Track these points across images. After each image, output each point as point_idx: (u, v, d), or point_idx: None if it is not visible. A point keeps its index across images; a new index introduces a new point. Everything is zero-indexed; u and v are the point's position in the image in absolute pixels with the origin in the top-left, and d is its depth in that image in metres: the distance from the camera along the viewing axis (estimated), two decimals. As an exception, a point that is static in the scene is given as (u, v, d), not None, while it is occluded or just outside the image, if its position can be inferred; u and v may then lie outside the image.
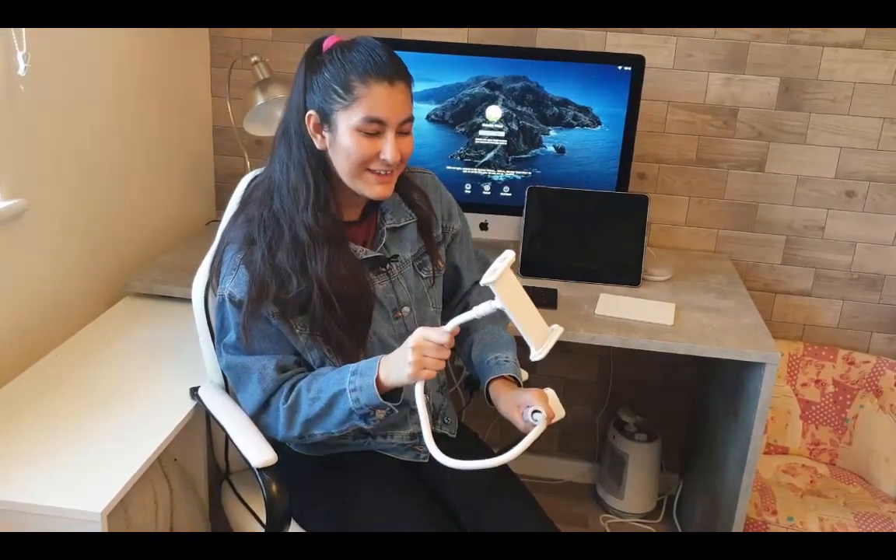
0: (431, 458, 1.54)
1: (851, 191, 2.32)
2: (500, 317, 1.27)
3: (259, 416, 1.43)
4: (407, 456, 1.54)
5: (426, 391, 1.54)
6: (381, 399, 1.30)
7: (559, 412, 1.36)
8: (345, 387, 1.32)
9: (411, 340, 1.27)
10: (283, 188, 1.37)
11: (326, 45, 1.35)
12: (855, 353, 2.33)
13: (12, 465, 1.34)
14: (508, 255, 1.22)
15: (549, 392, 1.38)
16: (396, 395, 1.33)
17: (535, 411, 1.34)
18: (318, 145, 1.36)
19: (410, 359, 1.26)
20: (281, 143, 1.39)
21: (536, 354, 1.25)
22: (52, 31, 1.69)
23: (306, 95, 1.34)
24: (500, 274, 1.19)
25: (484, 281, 1.21)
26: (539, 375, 2.58)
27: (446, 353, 1.27)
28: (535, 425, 1.31)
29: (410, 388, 1.51)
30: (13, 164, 1.62)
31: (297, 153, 1.37)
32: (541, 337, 1.26)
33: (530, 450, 2.18)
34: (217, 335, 1.44)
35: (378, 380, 1.30)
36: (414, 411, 1.53)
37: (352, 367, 1.35)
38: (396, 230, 1.49)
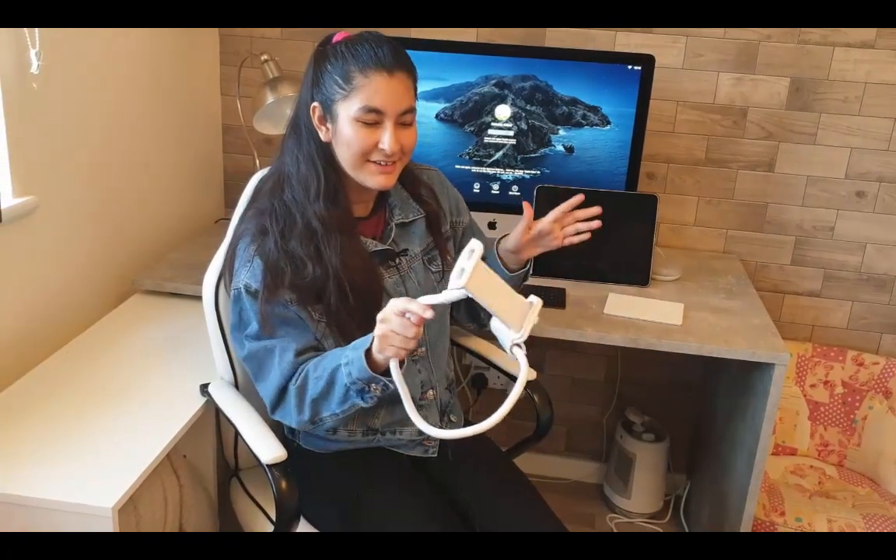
0: (440, 453, 1.55)
1: (862, 191, 2.31)
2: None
3: (277, 404, 1.40)
4: (416, 451, 1.54)
5: (433, 388, 1.54)
6: (371, 372, 1.26)
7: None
8: (340, 362, 1.30)
9: (380, 313, 1.22)
10: (294, 179, 1.39)
11: (335, 39, 1.37)
12: (864, 354, 2.32)
13: (23, 460, 1.35)
14: (477, 248, 1.16)
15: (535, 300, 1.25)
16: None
17: (514, 344, 1.22)
18: (322, 137, 1.37)
19: (377, 333, 1.22)
20: (291, 136, 1.41)
21: (519, 337, 1.21)
22: (65, 29, 1.69)
23: (312, 88, 1.36)
24: (469, 275, 1.14)
25: (452, 286, 1.16)
26: (547, 375, 2.59)
27: (411, 331, 1.19)
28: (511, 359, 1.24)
29: (417, 379, 1.50)
30: (25, 162, 1.63)
31: (307, 145, 1.38)
32: (520, 318, 1.21)
33: (537, 449, 2.18)
34: (236, 328, 1.42)
35: (370, 353, 1.26)
36: (421, 407, 1.54)
37: (354, 342, 1.32)
38: (405, 225, 1.50)
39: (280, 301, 1.36)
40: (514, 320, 1.20)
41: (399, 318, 1.20)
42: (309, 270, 1.35)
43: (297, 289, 1.35)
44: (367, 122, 1.32)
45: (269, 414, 1.43)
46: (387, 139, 1.33)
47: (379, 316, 1.22)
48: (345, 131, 1.33)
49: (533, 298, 1.23)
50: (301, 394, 1.36)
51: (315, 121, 1.37)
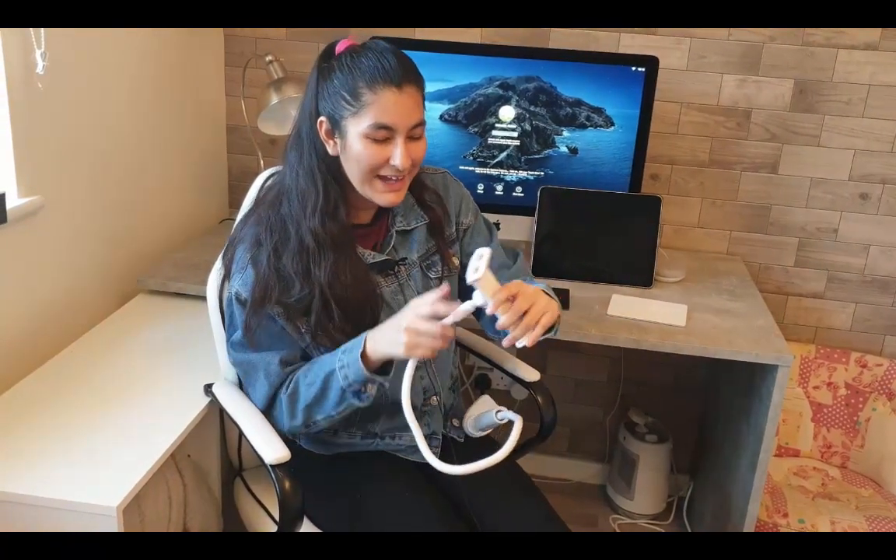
0: (442, 456, 1.55)
1: (865, 193, 2.31)
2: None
3: (268, 411, 1.44)
4: (417, 457, 1.53)
5: (437, 393, 1.54)
6: (368, 373, 1.29)
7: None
8: (335, 366, 1.32)
9: (404, 321, 1.26)
10: (293, 193, 1.38)
11: (339, 49, 1.35)
12: (867, 355, 2.32)
13: (28, 459, 1.36)
14: (485, 252, 1.23)
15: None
16: (388, 369, 1.32)
17: (497, 411, 1.39)
18: (330, 151, 1.36)
19: (403, 339, 1.25)
20: (293, 147, 1.40)
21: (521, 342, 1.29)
22: (70, 29, 1.70)
23: (318, 101, 1.35)
24: (484, 272, 1.21)
25: (469, 280, 1.22)
26: (550, 375, 2.59)
27: (439, 343, 1.25)
28: (500, 423, 1.38)
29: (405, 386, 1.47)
30: (30, 162, 1.64)
31: (308, 158, 1.37)
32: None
33: (540, 450, 2.17)
34: (227, 329, 1.46)
35: (365, 354, 1.29)
36: (424, 413, 1.54)
37: (343, 346, 1.35)
38: (406, 233, 1.49)
39: (268, 314, 1.37)
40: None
41: (427, 323, 1.24)
42: (296, 289, 1.36)
43: (283, 305, 1.36)
44: (377, 139, 1.31)
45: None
46: (398, 155, 1.32)
47: (403, 325, 1.25)
48: (354, 148, 1.32)
49: None
50: (293, 401, 1.39)
51: (322, 135, 1.35)
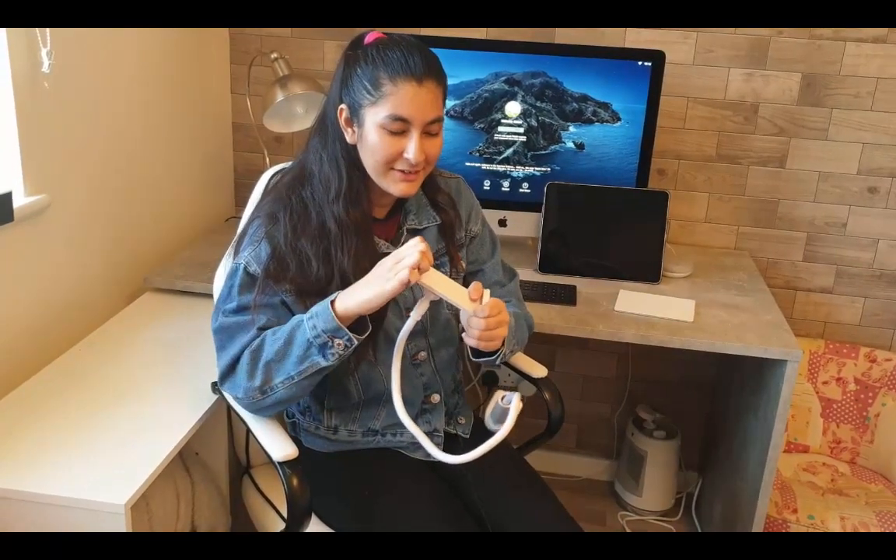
0: (445, 452, 1.54)
1: (874, 187, 2.29)
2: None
3: (228, 374, 1.37)
4: (419, 454, 1.53)
5: (438, 391, 1.54)
6: (337, 322, 1.25)
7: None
8: (303, 318, 1.29)
9: (389, 259, 1.25)
10: (315, 178, 1.38)
11: (367, 39, 1.35)
12: (877, 350, 2.31)
13: (36, 458, 1.36)
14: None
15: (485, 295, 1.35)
16: (362, 328, 1.29)
17: (502, 396, 1.40)
18: (348, 139, 1.37)
19: (388, 266, 1.24)
20: (317, 133, 1.41)
21: (480, 311, 1.32)
22: (76, 28, 1.70)
23: (342, 89, 1.35)
24: (428, 274, 1.25)
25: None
26: (558, 372, 2.58)
27: (416, 256, 1.22)
28: (506, 407, 1.39)
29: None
30: (36, 160, 1.64)
31: (332, 146, 1.38)
32: (469, 302, 1.32)
33: (548, 447, 2.17)
34: (222, 301, 1.39)
35: (335, 305, 1.26)
36: (424, 411, 1.54)
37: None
38: (417, 232, 1.49)
39: (277, 291, 1.35)
40: (467, 304, 1.31)
41: (410, 243, 1.25)
42: (314, 270, 1.35)
43: (297, 284, 1.35)
44: (393, 131, 1.31)
45: (218, 386, 1.40)
46: (412, 148, 1.32)
47: (388, 259, 1.26)
48: (370, 137, 1.33)
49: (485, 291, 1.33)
50: (255, 357, 1.33)
51: (342, 122, 1.36)
